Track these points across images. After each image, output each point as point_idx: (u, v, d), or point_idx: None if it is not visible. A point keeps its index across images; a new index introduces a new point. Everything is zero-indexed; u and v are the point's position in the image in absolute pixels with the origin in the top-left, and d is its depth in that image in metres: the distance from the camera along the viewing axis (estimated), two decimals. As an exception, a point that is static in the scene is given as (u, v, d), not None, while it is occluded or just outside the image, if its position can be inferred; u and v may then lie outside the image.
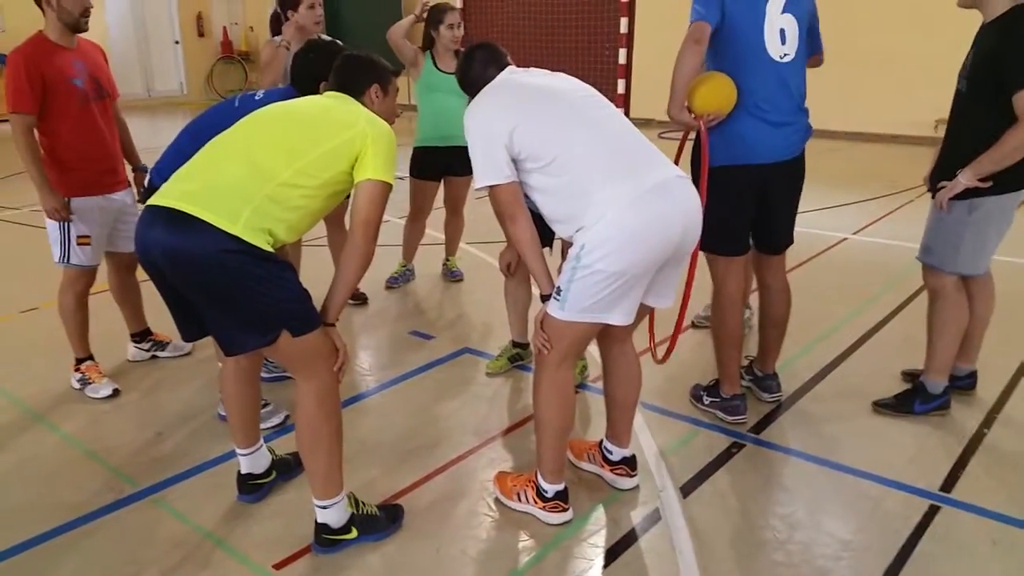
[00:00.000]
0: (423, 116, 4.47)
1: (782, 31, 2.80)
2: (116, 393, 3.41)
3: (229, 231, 2.02)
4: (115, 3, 14.40)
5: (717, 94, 2.80)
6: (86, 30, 3.18)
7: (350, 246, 2.25)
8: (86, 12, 3.13)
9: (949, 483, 2.75)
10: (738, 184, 2.90)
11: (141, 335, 3.76)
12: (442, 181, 4.63)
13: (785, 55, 2.83)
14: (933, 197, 3.01)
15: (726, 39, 2.81)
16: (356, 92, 2.41)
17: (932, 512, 2.58)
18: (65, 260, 3.30)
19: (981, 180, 2.82)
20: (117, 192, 3.40)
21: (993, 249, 3.03)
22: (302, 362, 2.25)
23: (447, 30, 4.31)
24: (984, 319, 3.24)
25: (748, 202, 2.95)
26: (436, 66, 4.37)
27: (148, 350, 3.76)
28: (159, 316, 3.78)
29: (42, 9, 3.12)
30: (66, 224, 3.23)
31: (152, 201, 2.14)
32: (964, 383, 3.34)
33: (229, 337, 2.20)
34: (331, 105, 2.35)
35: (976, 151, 2.81)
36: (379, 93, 2.46)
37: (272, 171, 2.13)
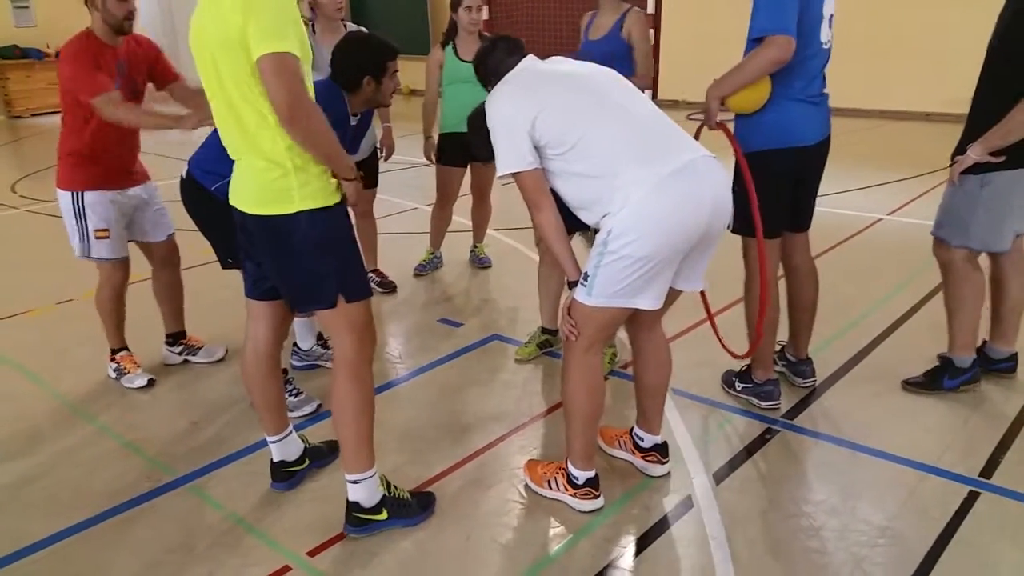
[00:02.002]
0: (447, 104, 4.46)
1: (830, 17, 2.76)
2: (151, 383, 3.46)
3: (292, 212, 2.14)
4: (143, -4, 14.55)
5: (756, 95, 2.73)
6: (129, 32, 3.20)
7: (295, 133, 2.04)
8: (130, 16, 3.15)
9: (989, 469, 2.69)
10: (781, 167, 2.84)
11: (175, 337, 3.70)
12: (468, 168, 4.62)
13: (828, 41, 2.79)
14: None
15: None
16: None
17: (972, 498, 2.53)
18: (86, 254, 3.32)
19: (993, 154, 2.82)
20: (132, 188, 3.37)
21: (1015, 225, 3.00)
22: (344, 331, 2.30)
23: (465, 12, 4.28)
24: (1020, 298, 3.18)
25: (788, 184, 2.90)
26: (458, 56, 4.35)
27: (180, 354, 3.71)
28: (196, 320, 3.82)
29: (88, 8, 3.12)
30: (83, 218, 3.24)
31: (231, 202, 2.30)
32: (1004, 366, 3.27)
33: (297, 299, 2.38)
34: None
35: (991, 124, 2.82)
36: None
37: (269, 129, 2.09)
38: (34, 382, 3.57)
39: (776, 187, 2.86)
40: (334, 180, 2.20)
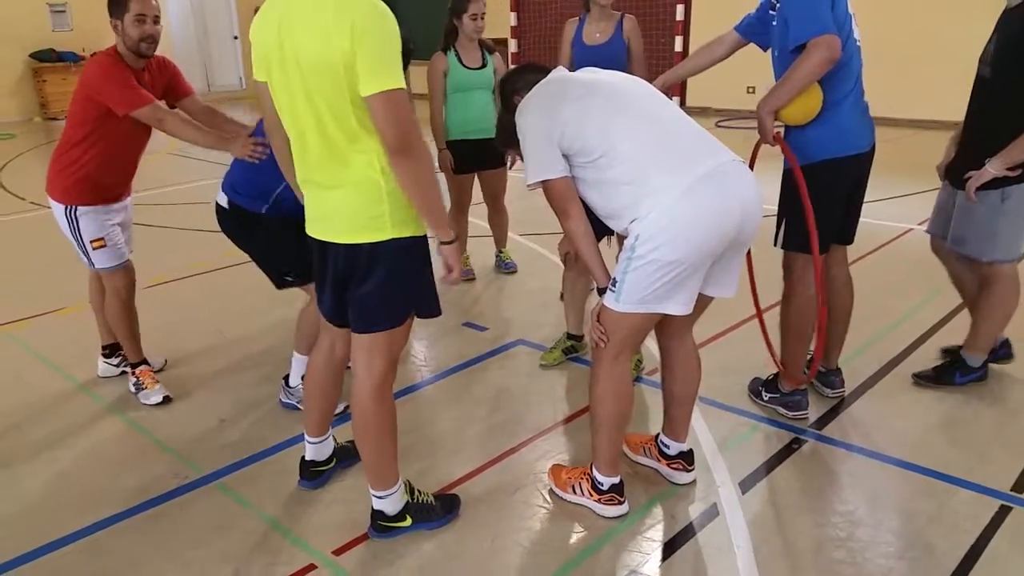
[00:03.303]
0: (452, 111, 4.44)
1: (853, 15, 2.74)
2: (167, 400, 3.37)
3: (385, 239, 2.12)
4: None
5: (810, 104, 2.68)
6: (148, 56, 3.11)
7: (401, 173, 2.04)
8: (145, 38, 3.04)
9: (1021, 483, 2.65)
10: (839, 177, 2.80)
11: (111, 348, 3.63)
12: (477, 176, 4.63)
13: (859, 39, 2.76)
14: (953, 186, 3.08)
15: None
16: None
17: (1003, 512, 2.50)
18: (91, 264, 3.29)
19: (1010, 168, 2.82)
20: (120, 202, 3.36)
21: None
22: (383, 352, 2.27)
23: (470, 20, 4.28)
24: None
25: (845, 195, 2.87)
26: (461, 63, 4.36)
27: (117, 365, 3.64)
28: (224, 323, 3.86)
29: (115, 32, 3.08)
30: (77, 230, 3.21)
31: (310, 233, 2.26)
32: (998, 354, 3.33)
33: (373, 317, 2.24)
34: (317, 24, 1.99)
35: (1002, 138, 2.81)
36: None
37: (365, 153, 2.08)
38: (66, 379, 3.63)
39: (833, 199, 2.82)
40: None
